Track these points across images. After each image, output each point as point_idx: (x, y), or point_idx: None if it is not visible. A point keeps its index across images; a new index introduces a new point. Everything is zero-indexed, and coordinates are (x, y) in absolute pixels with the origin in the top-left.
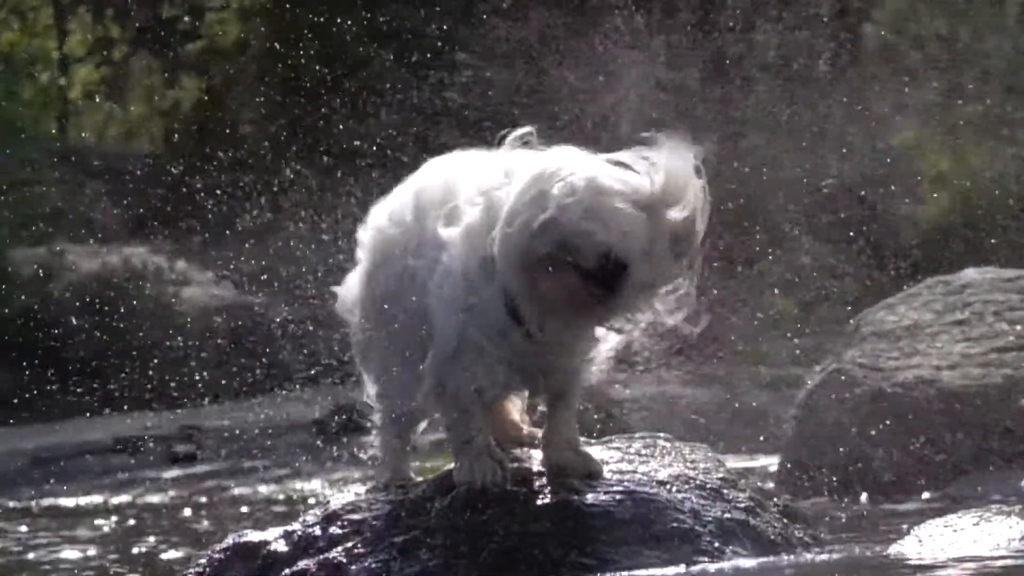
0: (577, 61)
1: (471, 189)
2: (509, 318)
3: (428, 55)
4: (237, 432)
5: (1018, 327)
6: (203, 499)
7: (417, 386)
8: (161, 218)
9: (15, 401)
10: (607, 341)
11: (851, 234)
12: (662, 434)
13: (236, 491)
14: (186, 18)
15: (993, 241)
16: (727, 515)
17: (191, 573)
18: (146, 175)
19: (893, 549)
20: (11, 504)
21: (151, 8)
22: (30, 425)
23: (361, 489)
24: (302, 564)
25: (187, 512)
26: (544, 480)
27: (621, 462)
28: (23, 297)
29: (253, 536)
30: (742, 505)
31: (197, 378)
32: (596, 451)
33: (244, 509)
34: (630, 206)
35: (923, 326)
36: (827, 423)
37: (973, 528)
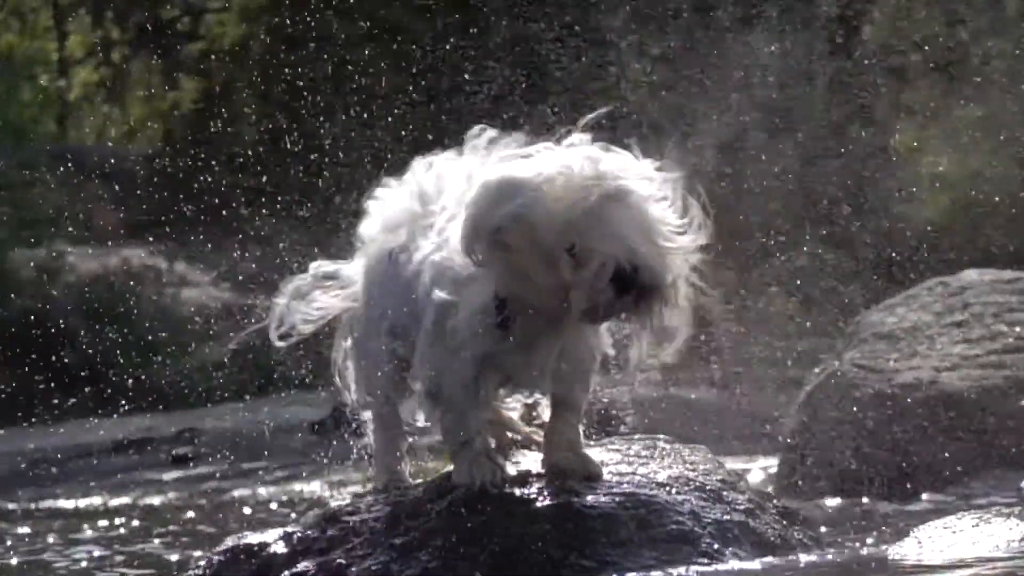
0: (577, 62)
1: (458, 191)
2: (495, 319)
3: (428, 56)
4: (237, 434)
5: (1017, 329)
6: (202, 501)
7: (398, 377)
8: (160, 219)
9: (14, 402)
10: (607, 346)
11: (850, 235)
12: (662, 436)
13: (235, 493)
14: (185, 19)
15: (993, 243)
16: (727, 517)
17: (191, 575)
18: (146, 176)
19: (893, 550)
20: (10, 506)
21: (150, 10)
22: (29, 426)
23: (360, 491)
24: (301, 566)
25: (186, 514)
26: (543, 482)
27: (621, 464)
28: (22, 298)
29: (252, 538)
30: (741, 507)
31: (196, 380)
32: (596, 453)
33: (244, 511)
34: (609, 204)
35: (923, 327)
36: (827, 424)
37: (973, 529)
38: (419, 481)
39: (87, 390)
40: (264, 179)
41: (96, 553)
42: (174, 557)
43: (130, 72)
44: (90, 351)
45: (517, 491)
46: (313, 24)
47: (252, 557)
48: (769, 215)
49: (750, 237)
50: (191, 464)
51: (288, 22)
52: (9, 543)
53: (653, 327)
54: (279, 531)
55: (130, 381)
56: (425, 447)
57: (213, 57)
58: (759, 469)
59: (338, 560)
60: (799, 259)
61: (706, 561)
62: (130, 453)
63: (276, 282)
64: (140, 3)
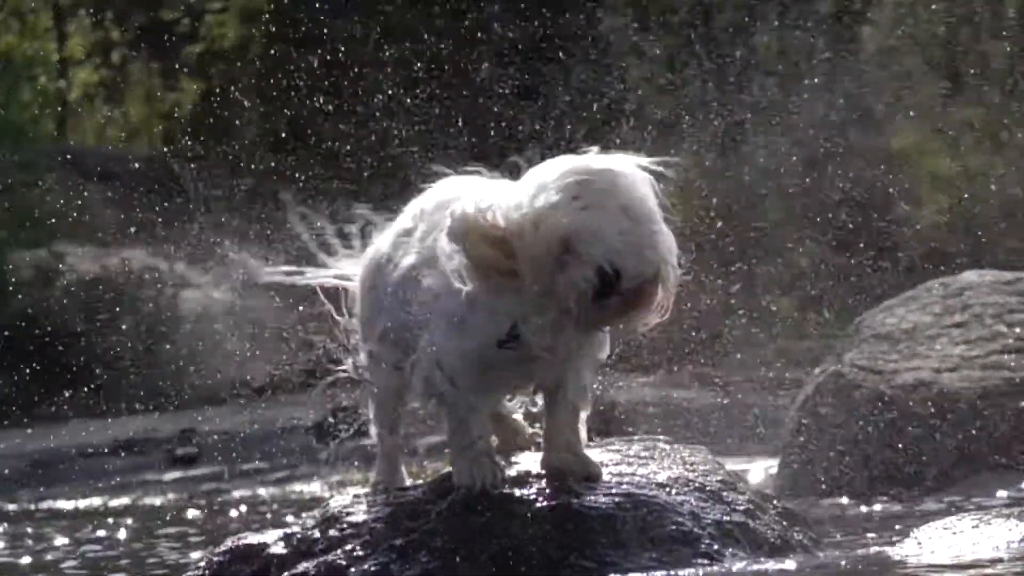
0: (578, 63)
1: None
2: (509, 334)
3: (428, 58)
4: (236, 434)
5: (1017, 329)
6: (202, 501)
7: (400, 381)
8: (160, 221)
9: (14, 403)
10: (604, 346)
11: (850, 236)
12: (661, 436)
13: (235, 493)
14: (185, 20)
15: (993, 244)
16: (726, 517)
17: (190, 575)
18: (145, 178)
19: (893, 551)
20: (10, 507)
21: (150, 11)
22: (29, 428)
23: (360, 491)
24: (301, 567)
25: (186, 514)
26: (543, 483)
27: (620, 464)
28: (22, 299)
29: (253, 538)
30: (741, 507)
31: (196, 380)
32: (595, 453)
33: (243, 511)
34: (589, 209)
35: (922, 328)
36: (826, 425)
37: (973, 530)
38: (419, 482)
39: (87, 391)
40: (264, 180)
41: (96, 553)
42: (174, 558)
43: (130, 73)
44: (90, 352)
45: (517, 492)
46: (313, 25)
47: (252, 558)
48: (768, 216)
49: (750, 238)
50: (191, 465)
51: (288, 23)
52: (9, 544)
53: (635, 325)
54: (279, 532)
55: (130, 382)
56: (425, 448)
57: (213, 58)
58: (759, 470)
59: (338, 561)
60: (799, 260)
61: (706, 562)
62: (130, 454)
63: (276, 283)
64: (140, 4)
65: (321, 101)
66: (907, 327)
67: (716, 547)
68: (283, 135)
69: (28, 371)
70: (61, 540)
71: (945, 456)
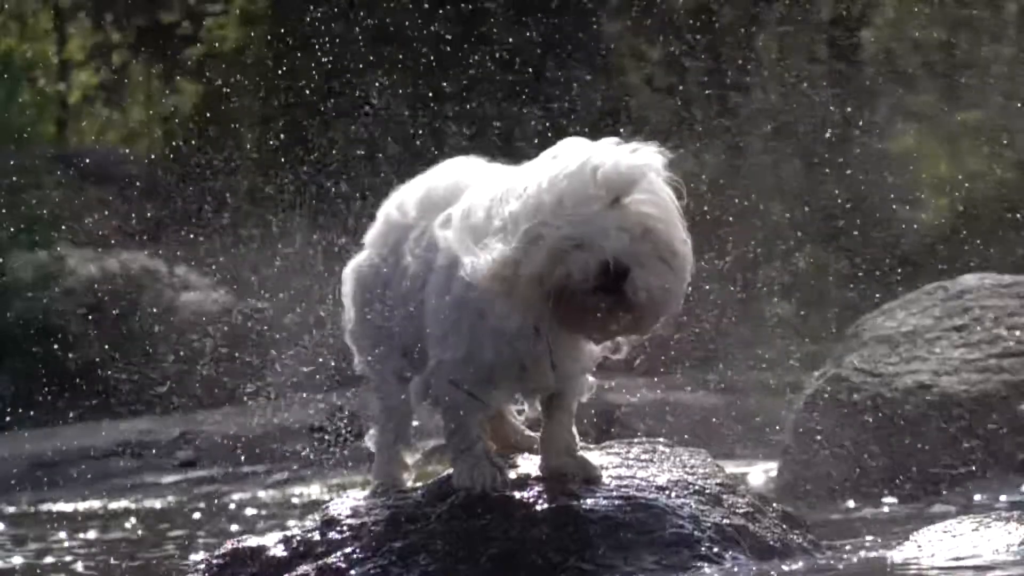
0: (578, 64)
1: (474, 196)
2: (529, 336)
3: (428, 59)
4: (236, 437)
5: (1017, 333)
6: (202, 504)
7: (403, 386)
8: (160, 223)
9: (14, 406)
10: (601, 349)
11: (850, 239)
12: (661, 439)
13: (235, 496)
14: (185, 23)
15: (992, 247)
16: (726, 520)
17: None
18: (145, 180)
19: (893, 554)
20: (10, 509)
21: (150, 13)
22: (29, 430)
23: (360, 494)
24: (301, 569)
25: (186, 517)
26: (543, 485)
27: (620, 467)
28: (22, 301)
29: (252, 541)
30: (741, 510)
31: (197, 383)
32: (595, 456)
33: (243, 514)
34: (600, 205)
35: (922, 332)
36: (826, 428)
37: (972, 534)
38: (419, 484)
39: (87, 393)
40: (264, 182)
41: (96, 556)
42: (174, 560)
43: (130, 75)
44: (90, 354)
45: (517, 495)
46: (313, 28)
47: (251, 560)
48: (769, 220)
49: (750, 241)
50: (191, 467)
51: (288, 26)
52: (9, 546)
53: (636, 329)
54: (279, 534)
55: (130, 384)
56: (425, 450)
57: (213, 61)
58: (759, 473)
59: (338, 563)
60: (799, 263)
61: (706, 565)
62: (130, 456)
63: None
64: (140, 6)
65: (321, 102)
66: (907, 330)
67: (716, 550)
68: (283, 136)
69: (28, 373)
70: (61, 542)
71: (945, 459)
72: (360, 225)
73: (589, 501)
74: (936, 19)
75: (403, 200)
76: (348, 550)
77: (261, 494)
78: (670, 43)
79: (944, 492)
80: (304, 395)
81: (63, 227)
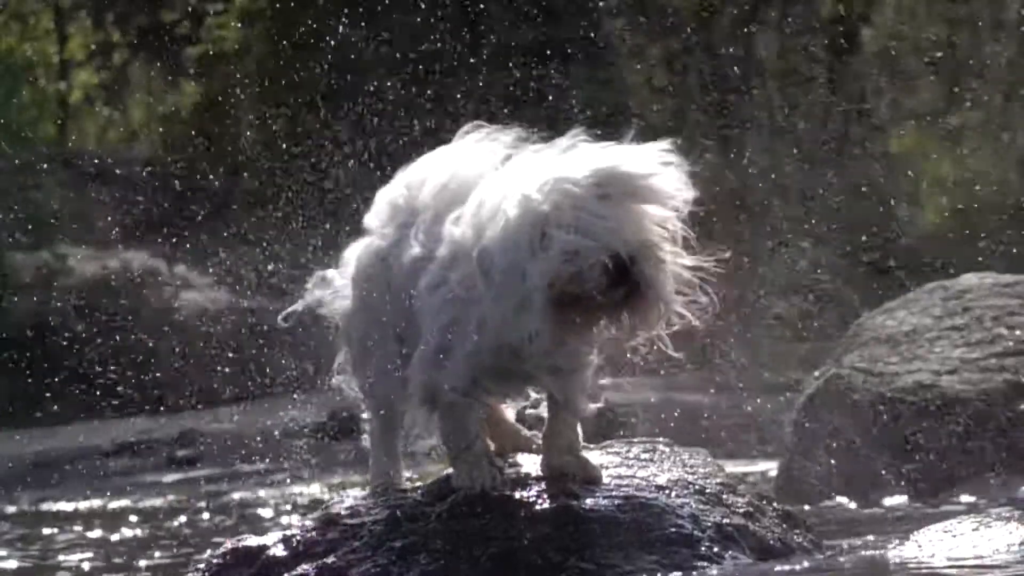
0: (578, 65)
1: (478, 194)
2: (527, 341)
3: (428, 60)
4: (236, 436)
5: (1017, 332)
6: (202, 503)
7: (397, 379)
8: (161, 222)
9: (15, 405)
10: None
11: (850, 239)
12: (661, 439)
13: (235, 495)
14: (186, 22)
15: (992, 246)
16: (726, 520)
17: None
18: (146, 179)
19: (893, 554)
20: (10, 508)
21: (151, 12)
22: (30, 429)
23: (360, 493)
24: (301, 568)
25: (186, 516)
26: (543, 485)
27: (620, 467)
28: (23, 301)
29: (252, 540)
30: (741, 510)
31: (196, 382)
32: (595, 456)
33: (243, 513)
34: (598, 201)
35: (922, 331)
36: (826, 428)
37: (973, 533)
38: (418, 484)
39: (87, 392)
40: (265, 182)
41: (96, 555)
42: (174, 559)
43: (131, 75)
44: (91, 353)
45: (517, 494)
46: (313, 27)
47: (251, 559)
48: (769, 219)
49: (750, 241)
50: (191, 466)
51: (289, 26)
52: (9, 545)
53: (644, 326)
54: (279, 534)
55: (130, 383)
56: (424, 450)
57: (214, 60)
58: (759, 472)
59: (338, 563)
60: (799, 262)
61: (706, 564)
62: (130, 455)
63: (276, 285)
64: (141, 6)
65: (321, 103)
66: (907, 330)
67: (716, 549)
68: (282, 137)
69: (29, 372)
70: (61, 542)
71: (945, 459)
72: (360, 225)
73: (589, 501)
74: (936, 18)
75: (414, 183)
76: (348, 550)
77: (261, 493)
78: (670, 43)
79: (945, 492)
80: (304, 395)
81: (64, 226)
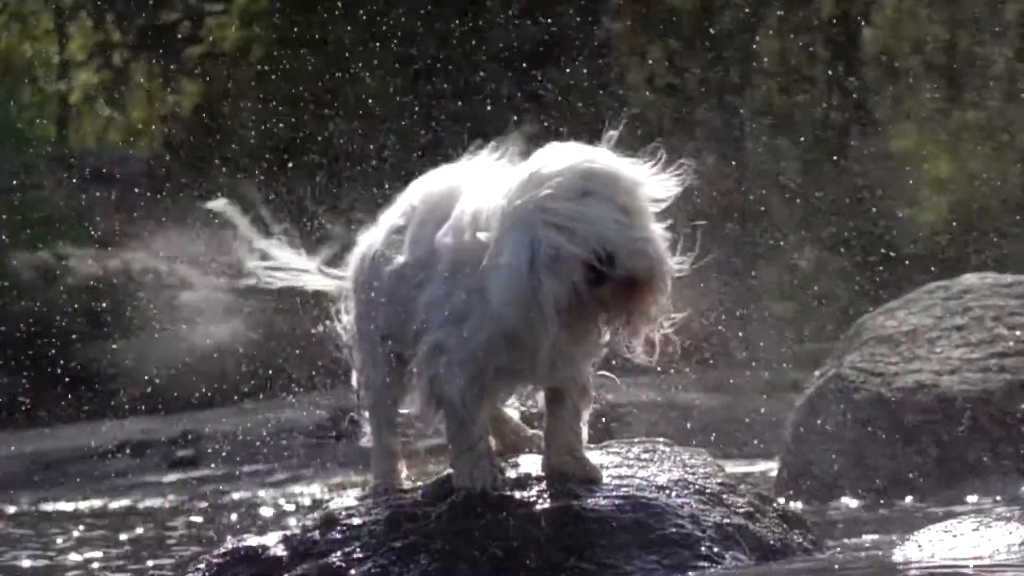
0: (578, 65)
1: (469, 201)
2: (530, 348)
3: (429, 60)
4: (237, 436)
5: (1017, 332)
6: (203, 503)
7: (393, 381)
8: (161, 222)
9: (15, 405)
10: (605, 345)
11: (851, 239)
12: (661, 439)
13: (236, 495)
14: (186, 23)
15: (993, 246)
16: (726, 520)
17: None
18: (146, 179)
19: (893, 554)
20: (11, 508)
21: (151, 13)
22: (30, 429)
23: (360, 493)
24: (301, 568)
25: (186, 516)
26: (543, 485)
27: (620, 467)
28: (23, 301)
29: (253, 540)
30: (741, 510)
31: (196, 382)
32: (595, 456)
33: (244, 513)
34: (580, 199)
35: (923, 331)
36: (827, 428)
37: (973, 533)
38: (419, 484)
39: (88, 392)
40: (264, 182)
41: (96, 555)
42: (174, 559)
43: (131, 75)
44: (91, 353)
45: (517, 494)
46: (313, 27)
47: (252, 559)
48: (769, 219)
49: (751, 240)
50: (192, 466)
51: (289, 25)
52: (10, 545)
53: (635, 323)
54: (279, 534)
55: (130, 384)
56: (424, 450)
57: (214, 60)
58: (759, 472)
59: (338, 563)
60: (800, 262)
61: (706, 564)
62: (130, 456)
63: (276, 284)
64: (141, 6)
65: (321, 103)
66: (907, 330)
67: (716, 550)
68: (283, 136)
69: (29, 372)
70: (61, 542)
71: (945, 459)
72: (360, 225)
73: (589, 501)
74: (936, 19)
75: (410, 191)
76: (348, 550)
77: (262, 493)
78: (670, 43)
79: (944, 492)
80: (304, 395)
81: (64, 226)
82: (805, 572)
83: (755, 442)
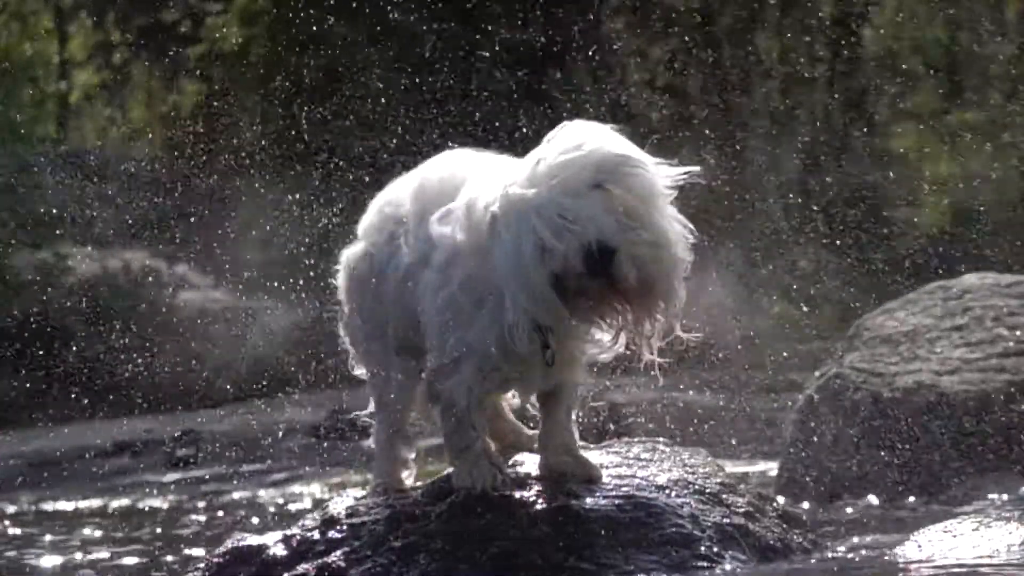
0: (579, 65)
1: (467, 193)
2: (534, 337)
3: (430, 59)
4: (236, 436)
5: (1018, 332)
6: (202, 503)
7: (399, 383)
8: (161, 222)
9: (14, 404)
10: (599, 344)
11: (851, 239)
12: (661, 439)
13: (235, 495)
14: (186, 22)
15: (993, 246)
16: (726, 520)
17: None
18: (146, 179)
19: (893, 554)
20: (10, 508)
21: (152, 12)
22: (29, 429)
23: (360, 493)
24: (301, 568)
25: (186, 516)
26: (543, 485)
27: (620, 467)
28: (23, 300)
29: (252, 540)
30: (741, 510)
31: (196, 382)
32: (595, 456)
33: (243, 513)
34: (581, 190)
35: (923, 331)
36: (826, 428)
37: (972, 533)
38: (419, 484)
39: (87, 391)
40: (265, 182)
41: (96, 555)
42: (174, 559)
43: (131, 75)
44: (90, 353)
45: (517, 494)
46: (314, 27)
47: (252, 559)
48: (770, 219)
49: (751, 240)
50: (191, 466)
51: (289, 25)
52: (9, 545)
53: (634, 319)
54: (279, 533)
55: (130, 383)
56: (424, 450)
57: (214, 60)
58: (759, 472)
59: (338, 562)
60: (799, 262)
61: (706, 564)
62: (130, 455)
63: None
64: (141, 6)
65: (321, 103)
66: (907, 330)
67: (716, 550)
68: (283, 136)
69: (28, 372)
70: (60, 541)
71: (945, 459)
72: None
73: (589, 501)
74: (936, 19)
75: (398, 192)
76: (348, 549)
77: (261, 493)
78: (670, 43)
79: (944, 492)
80: (304, 395)
81: (64, 226)
82: (805, 572)
83: (755, 441)
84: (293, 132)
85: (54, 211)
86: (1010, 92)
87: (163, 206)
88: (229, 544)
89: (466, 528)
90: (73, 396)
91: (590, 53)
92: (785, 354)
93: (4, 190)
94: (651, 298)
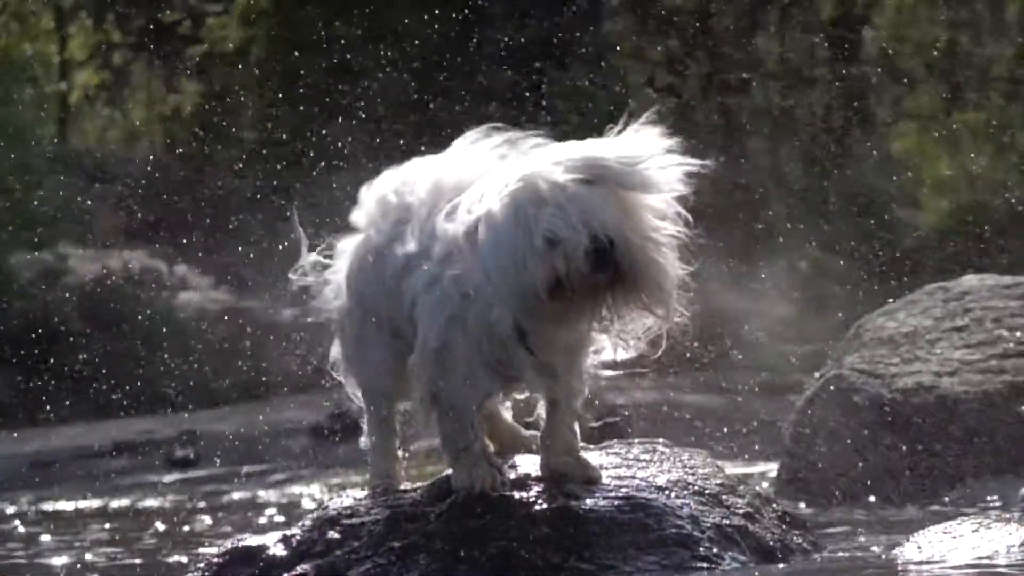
0: (578, 65)
1: (470, 193)
2: (514, 337)
3: (429, 59)
4: (236, 436)
5: (1018, 334)
6: (202, 503)
7: (394, 376)
8: (161, 222)
9: (14, 405)
10: (599, 345)
11: (851, 240)
12: (661, 440)
13: (235, 495)
14: (187, 23)
15: (993, 247)
16: (726, 521)
17: None
18: (146, 179)
19: (893, 555)
20: (10, 508)
21: (152, 13)
22: (29, 429)
23: (359, 494)
24: (301, 568)
25: (186, 516)
26: (543, 485)
27: (620, 467)
28: (23, 301)
29: (252, 540)
30: (741, 511)
31: (196, 382)
32: (595, 456)
33: (243, 513)
34: (581, 187)
35: (923, 332)
36: (826, 429)
37: (972, 535)
38: (418, 484)
39: (87, 393)
40: (265, 182)
41: (95, 555)
42: (173, 559)
43: (131, 75)
44: (90, 354)
45: (516, 495)
46: (314, 27)
47: (251, 559)
48: (770, 219)
49: (751, 241)
50: (190, 467)
51: (289, 26)
52: (9, 545)
53: (630, 315)
54: (278, 534)
55: (130, 384)
56: (424, 450)
57: (214, 60)
58: (759, 474)
59: (337, 563)
60: (800, 263)
61: (705, 565)
62: (129, 456)
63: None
64: (141, 6)
65: (321, 102)
66: (907, 331)
67: (715, 550)
68: (284, 137)
69: (28, 372)
70: (60, 542)
71: (945, 460)
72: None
73: (589, 501)
74: (937, 20)
75: (413, 177)
76: (347, 549)
77: (261, 493)
78: (670, 43)
79: (944, 493)
80: (304, 395)
81: (64, 226)
82: (804, 573)
83: (755, 442)
84: (292, 133)
85: (55, 212)
86: (1010, 93)
87: (163, 206)
88: (229, 544)
89: (466, 528)
90: (73, 397)
91: (590, 53)
92: (785, 355)
93: (4, 190)
94: (648, 292)
